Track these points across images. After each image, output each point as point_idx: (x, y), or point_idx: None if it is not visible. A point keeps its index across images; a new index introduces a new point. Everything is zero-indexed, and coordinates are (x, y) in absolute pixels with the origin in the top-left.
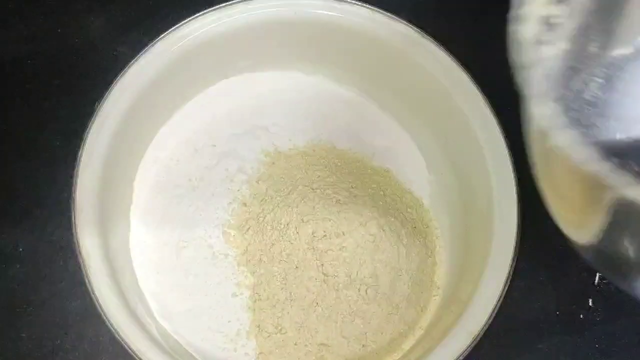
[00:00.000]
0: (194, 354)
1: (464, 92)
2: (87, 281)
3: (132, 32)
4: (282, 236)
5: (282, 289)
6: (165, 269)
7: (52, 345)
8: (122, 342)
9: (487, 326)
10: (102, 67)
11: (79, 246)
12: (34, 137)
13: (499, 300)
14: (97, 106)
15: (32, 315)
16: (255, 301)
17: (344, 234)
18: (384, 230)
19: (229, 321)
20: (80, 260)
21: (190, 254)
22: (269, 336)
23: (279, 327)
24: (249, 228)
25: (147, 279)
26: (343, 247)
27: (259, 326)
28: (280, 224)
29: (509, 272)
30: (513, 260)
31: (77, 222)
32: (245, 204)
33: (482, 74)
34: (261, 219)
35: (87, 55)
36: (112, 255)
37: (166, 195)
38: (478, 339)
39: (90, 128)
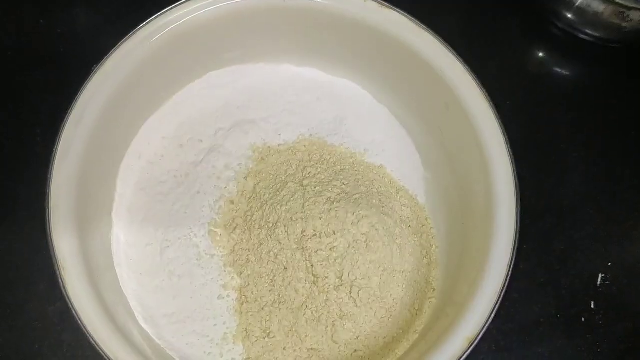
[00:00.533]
0: (178, 359)
1: (462, 84)
2: (61, 284)
3: (117, 24)
4: (270, 235)
5: (270, 291)
6: (148, 269)
7: (30, 351)
8: (98, 348)
9: (484, 330)
10: (85, 59)
11: (53, 246)
12: (12, 132)
13: (497, 302)
14: (76, 98)
15: (10, 319)
16: (242, 304)
17: (334, 233)
18: (376, 230)
19: (215, 325)
20: (54, 262)
21: (174, 254)
22: (256, 340)
23: (267, 331)
24: (236, 227)
25: (129, 280)
26: (334, 247)
27: (246, 330)
28: (269, 222)
29: (508, 273)
30: (512, 260)
31: (51, 221)
32: (232, 202)
33: (481, 66)
34: (249, 217)
35: (71, 47)
36: (90, 255)
37: (150, 192)
38: (475, 343)
39: (67, 121)
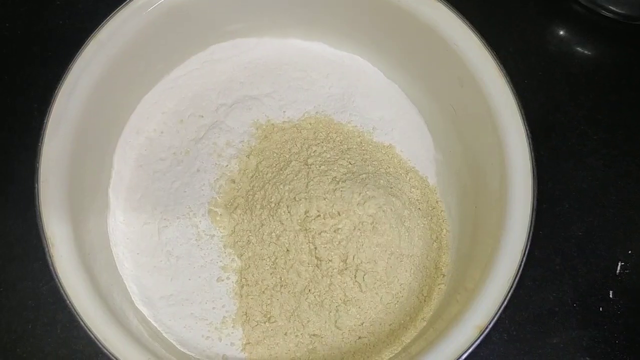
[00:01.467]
0: (174, 342)
1: (476, 58)
2: (49, 261)
3: None
4: (272, 216)
5: (271, 273)
6: (145, 249)
7: (22, 331)
8: (87, 329)
9: (496, 318)
10: (84, 30)
11: (41, 222)
12: (7, 105)
13: (509, 290)
14: (67, 69)
15: (2, 298)
16: (242, 287)
17: (339, 214)
18: (383, 211)
19: (214, 308)
20: (43, 238)
21: (172, 234)
22: (256, 325)
23: (268, 316)
24: (237, 207)
25: (125, 260)
26: (338, 228)
27: (246, 314)
28: (271, 202)
29: (522, 260)
30: (526, 246)
31: (40, 196)
32: (233, 181)
33: (498, 44)
34: (250, 196)
35: (69, 18)
36: (84, 233)
37: (148, 169)
38: (486, 332)
39: (58, 93)
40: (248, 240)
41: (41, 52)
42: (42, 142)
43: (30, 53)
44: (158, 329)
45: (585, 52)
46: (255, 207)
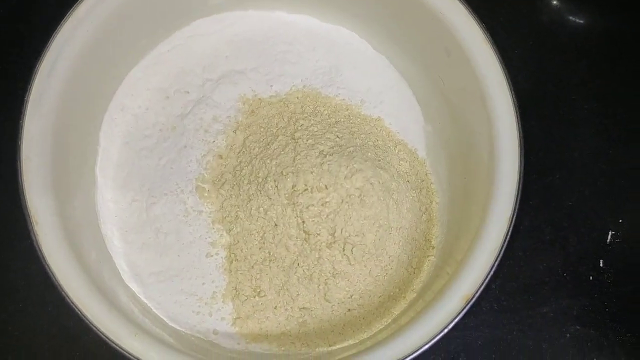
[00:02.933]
0: (165, 318)
1: (463, 27)
2: (34, 239)
3: None
4: (259, 191)
5: (260, 248)
6: (134, 227)
7: (14, 310)
8: (74, 306)
9: (482, 287)
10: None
11: (25, 200)
12: None
13: (496, 259)
14: (51, 39)
15: None
16: (231, 262)
17: (326, 187)
18: (371, 184)
19: (203, 283)
20: (27, 218)
21: (160, 210)
22: (246, 299)
23: (257, 290)
24: (224, 182)
25: (114, 238)
26: (326, 202)
27: (235, 288)
28: (258, 177)
29: (508, 228)
30: (513, 215)
31: (22, 173)
32: (220, 156)
33: (489, 12)
34: (238, 172)
35: None
36: (70, 211)
37: (135, 146)
38: (472, 301)
39: (37, 70)
40: (236, 216)
41: (25, 30)
42: (23, 120)
43: (13, 30)
44: (148, 305)
45: (577, 20)
46: (243, 182)
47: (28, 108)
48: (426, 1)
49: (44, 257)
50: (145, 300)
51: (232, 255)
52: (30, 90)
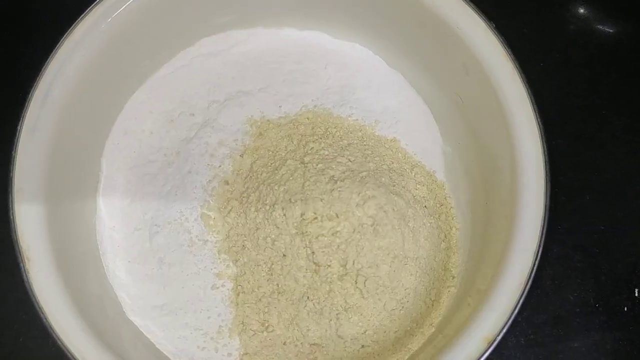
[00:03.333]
0: (169, 355)
1: (482, 42)
2: (25, 279)
3: None
4: (267, 219)
5: (268, 280)
6: (137, 257)
7: (13, 344)
8: (67, 352)
9: (506, 328)
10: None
11: (16, 236)
12: None
13: (521, 295)
14: (45, 64)
15: None
16: (238, 294)
17: (337, 216)
18: (385, 212)
19: (209, 317)
20: (18, 254)
21: (164, 240)
22: (254, 334)
23: (266, 324)
24: (230, 210)
25: (116, 269)
26: (336, 232)
27: (242, 323)
28: (266, 204)
29: (536, 258)
30: (540, 242)
31: (14, 209)
32: (227, 182)
33: (512, 23)
34: (245, 199)
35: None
36: (68, 243)
37: (138, 172)
38: (495, 343)
39: (31, 97)
40: (243, 245)
41: (20, 55)
42: (15, 151)
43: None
44: (151, 340)
45: (606, 30)
46: (250, 209)
47: (21, 137)
48: (442, 14)
49: (35, 297)
50: (148, 335)
51: (239, 287)
52: (22, 119)
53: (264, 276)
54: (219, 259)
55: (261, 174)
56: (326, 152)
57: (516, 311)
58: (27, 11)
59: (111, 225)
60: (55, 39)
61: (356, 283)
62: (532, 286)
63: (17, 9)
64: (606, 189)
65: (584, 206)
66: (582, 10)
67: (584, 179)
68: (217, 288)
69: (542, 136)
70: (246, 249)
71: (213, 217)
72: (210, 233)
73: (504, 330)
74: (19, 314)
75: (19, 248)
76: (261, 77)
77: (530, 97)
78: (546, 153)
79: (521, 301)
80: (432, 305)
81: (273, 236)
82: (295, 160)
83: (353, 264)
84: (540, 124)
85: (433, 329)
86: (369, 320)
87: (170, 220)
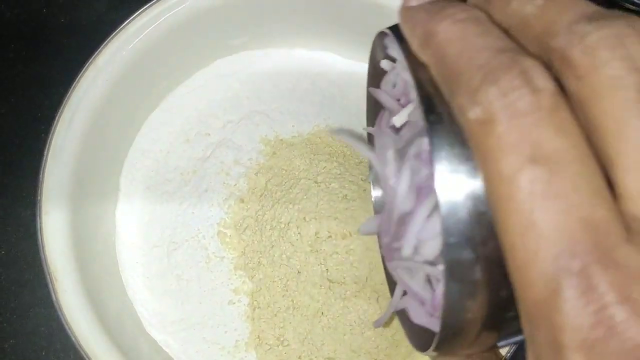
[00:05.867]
0: None
1: None
2: (54, 298)
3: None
4: (282, 237)
5: (283, 296)
6: (155, 273)
7: (36, 358)
8: None
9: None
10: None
11: (45, 258)
12: (14, 127)
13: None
14: (71, 89)
15: (15, 325)
16: (254, 309)
17: (351, 234)
18: None
19: (226, 332)
20: (46, 272)
21: (182, 256)
22: (270, 349)
23: (281, 339)
24: (246, 227)
25: (135, 285)
26: (350, 249)
27: (258, 337)
28: (280, 222)
29: None
30: None
31: (43, 231)
32: (242, 200)
33: None
34: (260, 217)
35: (74, 37)
36: (90, 262)
37: (156, 191)
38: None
39: (57, 121)
40: (259, 262)
41: (49, 71)
42: (43, 175)
43: (35, 73)
44: (170, 354)
45: None
46: (265, 227)
47: (47, 163)
48: None
49: (64, 316)
50: (167, 350)
51: (255, 303)
52: (49, 145)
53: (279, 292)
54: (235, 275)
55: (275, 193)
56: (338, 171)
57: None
58: (52, 30)
59: (130, 242)
60: (77, 58)
61: (369, 299)
62: None
63: (42, 30)
64: None
65: None
66: None
67: None
68: (234, 304)
69: None
70: (262, 265)
71: (229, 234)
72: (227, 250)
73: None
74: (40, 328)
75: (47, 269)
76: (275, 97)
77: None
78: None
79: None
80: None
81: (288, 253)
82: (309, 179)
83: (367, 280)
84: None
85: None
86: (382, 335)
87: (188, 238)
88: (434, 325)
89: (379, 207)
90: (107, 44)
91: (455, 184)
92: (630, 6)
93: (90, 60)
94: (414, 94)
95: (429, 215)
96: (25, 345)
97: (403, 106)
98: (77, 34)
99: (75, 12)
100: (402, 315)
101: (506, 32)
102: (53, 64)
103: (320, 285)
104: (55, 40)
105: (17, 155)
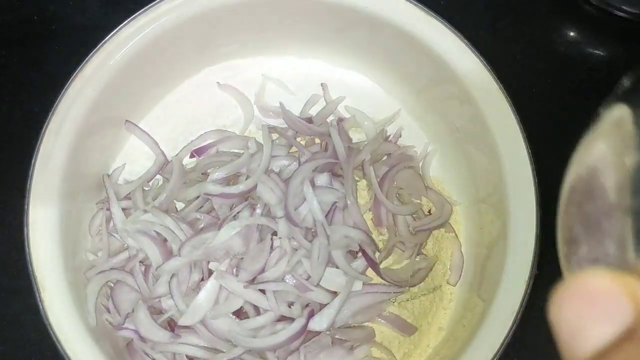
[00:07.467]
0: None
1: (474, 76)
2: (41, 308)
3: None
4: None
5: None
6: None
7: None
8: None
9: (503, 347)
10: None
11: (32, 267)
12: (7, 131)
13: (517, 316)
14: (58, 99)
15: (5, 332)
16: None
17: None
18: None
19: None
20: (33, 282)
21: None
22: None
23: None
24: None
25: None
26: None
27: None
28: None
29: (529, 281)
30: (534, 260)
31: (30, 242)
32: None
33: (506, 47)
34: None
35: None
36: (80, 269)
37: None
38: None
39: (46, 127)
40: None
41: (39, 77)
42: (30, 182)
43: (28, 79)
44: None
45: (598, 53)
46: None
47: (35, 170)
48: (437, 51)
49: (50, 326)
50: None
51: None
52: (37, 152)
53: None
54: None
55: None
56: None
57: (511, 334)
58: (44, 35)
59: None
60: (69, 65)
61: None
62: (525, 307)
63: (33, 35)
64: None
65: None
66: (573, 34)
67: None
68: None
69: (533, 172)
70: None
71: None
72: None
73: (500, 353)
74: (31, 335)
75: (34, 278)
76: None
77: (522, 132)
78: (536, 183)
79: (516, 324)
80: (429, 326)
81: None
82: None
83: None
84: (531, 156)
85: (430, 351)
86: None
87: None
88: None
89: None
90: (94, 53)
91: None
92: (621, 14)
93: (77, 70)
94: None
95: None
96: (15, 352)
97: None
98: (68, 40)
99: (66, 18)
100: None
101: None
102: (44, 70)
103: None
104: (46, 47)
105: (6, 163)
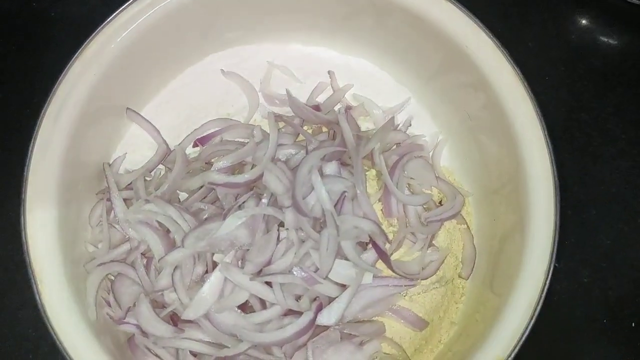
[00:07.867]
0: None
1: (491, 60)
2: (38, 301)
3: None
4: None
5: None
6: None
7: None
8: None
9: (520, 345)
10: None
11: (29, 259)
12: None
13: (534, 312)
14: (56, 84)
15: (2, 327)
16: None
17: None
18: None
19: None
20: (31, 277)
21: None
22: None
23: None
24: None
25: None
26: None
27: None
28: None
29: (547, 277)
30: (551, 262)
31: (27, 233)
32: None
33: (518, 36)
34: None
35: (65, 30)
36: (79, 262)
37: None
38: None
39: (44, 113)
40: None
41: (38, 67)
42: (27, 172)
43: (24, 65)
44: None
45: (612, 42)
46: None
47: (33, 158)
48: (451, 32)
49: (48, 320)
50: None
51: None
52: (35, 139)
53: None
54: None
55: None
56: None
57: (528, 331)
58: (43, 23)
59: None
60: (68, 52)
61: None
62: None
63: (32, 23)
64: (612, 203)
65: (590, 220)
66: (586, 22)
67: (589, 193)
68: None
69: (551, 153)
70: None
71: None
72: None
73: (516, 351)
74: (28, 330)
75: (31, 271)
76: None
77: (540, 118)
78: (556, 173)
79: (533, 320)
80: (441, 321)
81: None
82: None
83: None
84: (548, 141)
85: (442, 346)
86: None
87: None
88: None
89: None
90: (94, 36)
91: None
92: (635, 1)
93: (77, 54)
94: None
95: None
96: (13, 347)
97: None
98: (67, 27)
99: (66, 5)
100: None
101: None
102: (43, 58)
103: None
104: (45, 34)
105: (4, 154)
